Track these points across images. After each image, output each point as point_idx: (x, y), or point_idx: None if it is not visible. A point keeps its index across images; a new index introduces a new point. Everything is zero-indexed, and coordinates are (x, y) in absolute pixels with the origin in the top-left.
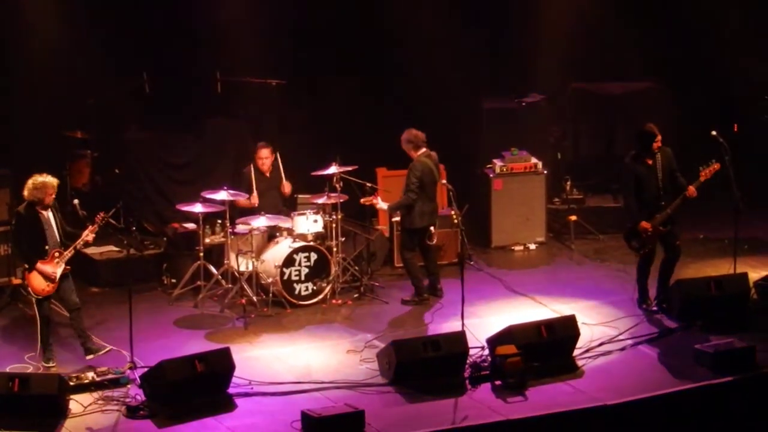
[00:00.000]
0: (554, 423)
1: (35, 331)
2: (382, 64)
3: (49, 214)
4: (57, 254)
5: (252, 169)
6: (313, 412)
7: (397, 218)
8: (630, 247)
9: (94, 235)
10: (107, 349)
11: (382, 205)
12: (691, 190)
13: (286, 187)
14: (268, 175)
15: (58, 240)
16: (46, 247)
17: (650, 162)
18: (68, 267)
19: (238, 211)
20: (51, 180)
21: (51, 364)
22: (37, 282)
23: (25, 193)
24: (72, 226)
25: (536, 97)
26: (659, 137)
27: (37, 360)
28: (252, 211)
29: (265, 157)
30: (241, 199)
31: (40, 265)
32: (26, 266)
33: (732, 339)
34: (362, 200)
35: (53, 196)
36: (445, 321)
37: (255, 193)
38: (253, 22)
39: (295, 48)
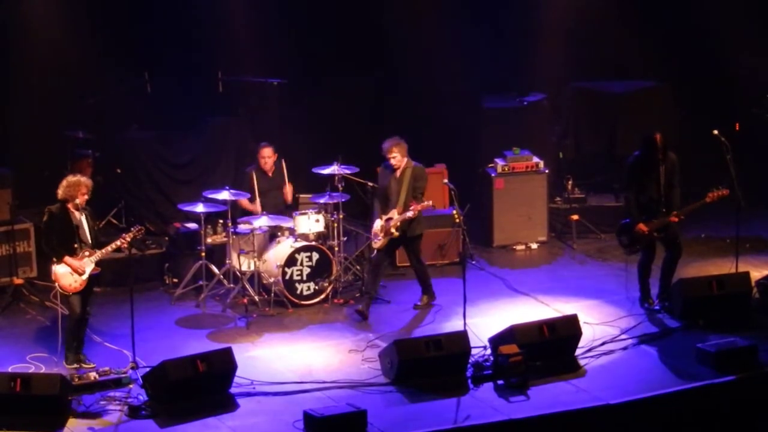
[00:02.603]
0: (557, 422)
1: (37, 331)
2: (383, 63)
3: (81, 218)
4: (87, 253)
5: (254, 169)
6: (316, 412)
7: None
8: (620, 243)
9: (127, 242)
10: (76, 366)
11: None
12: (673, 216)
13: (288, 194)
14: (270, 174)
15: (89, 242)
16: (75, 246)
17: (653, 167)
18: (98, 268)
19: (239, 211)
20: (86, 180)
21: (89, 365)
22: (65, 278)
23: (59, 191)
24: None
25: (538, 96)
26: (661, 150)
27: (57, 363)
28: (261, 204)
29: (268, 156)
30: (244, 200)
31: (68, 258)
32: (54, 259)
33: (734, 338)
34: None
35: (86, 196)
36: (447, 320)
37: (258, 201)
38: (255, 22)
39: (296, 47)
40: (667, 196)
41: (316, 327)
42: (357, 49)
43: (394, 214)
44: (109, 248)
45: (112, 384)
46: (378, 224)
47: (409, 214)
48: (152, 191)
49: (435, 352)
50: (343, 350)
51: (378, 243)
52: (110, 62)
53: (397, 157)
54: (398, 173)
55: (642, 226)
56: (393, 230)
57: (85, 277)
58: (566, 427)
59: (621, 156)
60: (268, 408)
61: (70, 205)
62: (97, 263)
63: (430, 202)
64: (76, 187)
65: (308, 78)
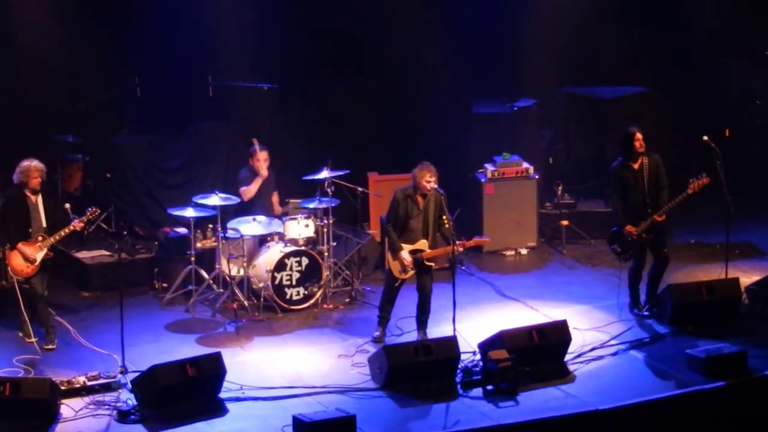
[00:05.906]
0: (546, 428)
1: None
2: (374, 68)
3: (38, 200)
4: (40, 238)
5: (247, 171)
6: (305, 417)
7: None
8: (612, 252)
9: (83, 225)
10: (53, 347)
11: None
12: (656, 217)
13: (276, 204)
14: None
15: (44, 226)
16: (30, 230)
17: (636, 168)
18: (50, 253)
19: (230, 215)
20: (35, 165)
21: (31, 339)
22: (17, 262)
23: (14, 176)
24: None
25: (527, 101)
26: (638, 135)
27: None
28: (251, 206)
29: (264, 159)
30: (248, 188)
31: (21, 245)
32: (8, 245)
33: (723, 344)
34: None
35: (38, 179)
36: (436, 326)
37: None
38: (245, 27)
39: (287, 53)
40: (652, 197)
41: (306, 332)
42: (347, 55)
43: (424, 245)
44: (62, 233)
45: (101, 388)
46: (407, 255)
47: (460, 249)
48: (142, 196)
49: (424, 357)
50: (332, 355)
51: (408, 275)
52: (100, 67)
53: (434, 182)
54: (421, 201)
55: (630, 228)
56: (427, 262)
57: (37, 263)
58: None
59: (611, 161)
60: (258, 413)
61: (26, 190)
62: (51, 248)
63: (488, 239)
64: (26, 172)
65: (298, 83)
